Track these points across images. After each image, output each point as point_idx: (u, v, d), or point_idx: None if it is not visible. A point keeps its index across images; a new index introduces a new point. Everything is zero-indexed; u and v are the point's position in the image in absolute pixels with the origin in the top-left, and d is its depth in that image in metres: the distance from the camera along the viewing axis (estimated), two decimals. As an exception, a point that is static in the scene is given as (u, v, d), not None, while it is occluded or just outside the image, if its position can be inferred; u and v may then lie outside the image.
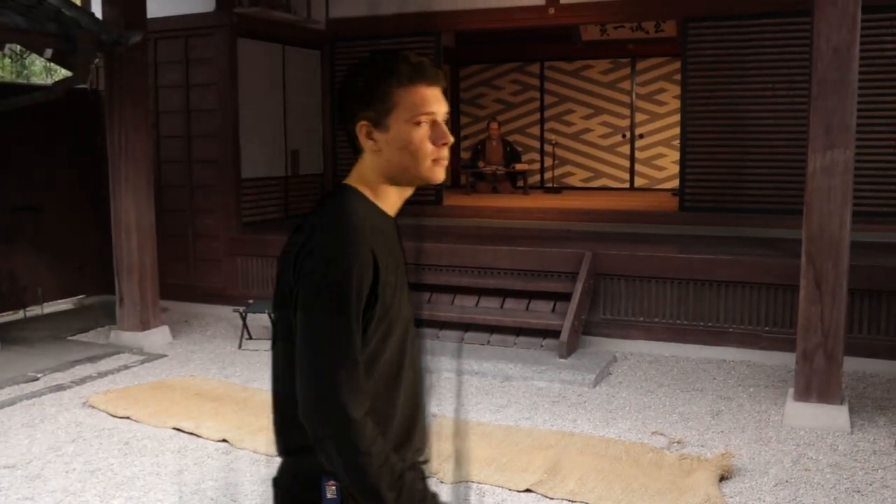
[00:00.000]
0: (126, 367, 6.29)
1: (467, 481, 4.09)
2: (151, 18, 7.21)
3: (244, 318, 6.89)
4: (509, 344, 6.53)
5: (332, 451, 1.53)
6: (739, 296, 6.30)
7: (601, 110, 12.47)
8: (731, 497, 3.99)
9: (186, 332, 7.45)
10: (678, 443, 4.70)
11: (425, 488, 1.70)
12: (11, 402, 5.43)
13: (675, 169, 10.50)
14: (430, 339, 6.48)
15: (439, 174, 1.71)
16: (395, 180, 1.71)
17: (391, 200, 1.74)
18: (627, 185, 12.36)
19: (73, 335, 7.26)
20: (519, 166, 11.40)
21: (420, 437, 1.76)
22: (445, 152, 1.71)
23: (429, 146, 1.68)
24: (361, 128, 1.68)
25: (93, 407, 5.33)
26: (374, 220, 1.67)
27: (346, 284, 1.54)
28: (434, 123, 1.69)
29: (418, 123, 1.67)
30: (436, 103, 1.69)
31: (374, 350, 1.61)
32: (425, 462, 1.80)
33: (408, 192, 1.76)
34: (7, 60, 17.08)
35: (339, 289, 1.53)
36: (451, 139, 1.71)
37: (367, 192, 1.71)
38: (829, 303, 4.87)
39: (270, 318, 6.93)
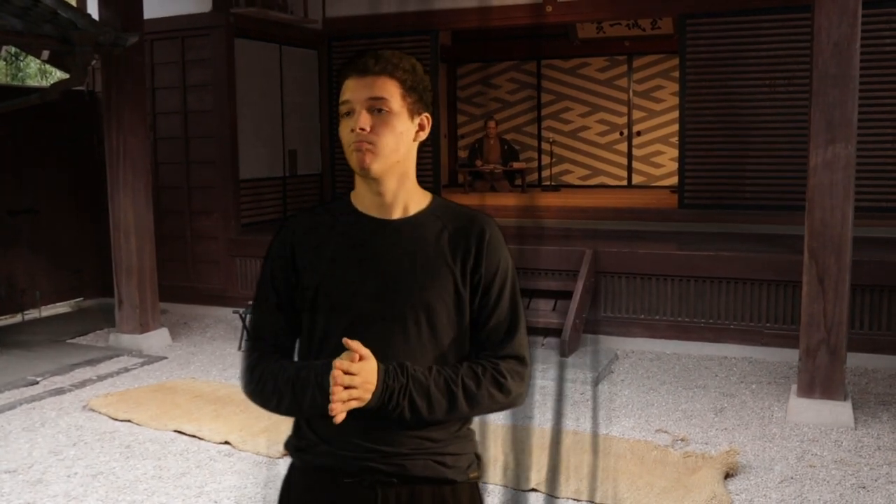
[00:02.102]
0: (126, 370, 6.26)
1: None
2: (148, 19, 7.18)
3: (244, 320, 6.86)
4: (510, 343, 6.49)
5: None
6: (741, 292, 6.29)
7: (598, 108, 12.45)
8: (737, 494, 3.98)
9: (186, 334, 7.42)
10: (682, 440, 4.68)
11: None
12: (11, 406, 5.40)
13: (673, 166, 10.50)
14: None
15: (358, 161, 1.69)
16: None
17: (364, 196, 1.77)
18: (625, 182, 12.35)
19: (72, 338, 7.23)
20: (517, 165, 11.37)
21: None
22: (362, 138, 1.67)
23: (347, 134, 1.70)
24: None
25: (93, 410, 5.31)
26: (322, 219, 1.79)
27: (265, 263, 1.82)
28: (352, 112, 1.70)
29: (342, 114, 1.72)
30: (353, 91, 1.70)
31: (309, 321, 1.77)
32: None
33: (379, 186, 1.73)
34: (2, 63, 17.04)
35: (263, 265, 1.84)
36: (362, 125, 1.67)
37: (353, 192, 1.80)
38: (832, 299, 4.86)
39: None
